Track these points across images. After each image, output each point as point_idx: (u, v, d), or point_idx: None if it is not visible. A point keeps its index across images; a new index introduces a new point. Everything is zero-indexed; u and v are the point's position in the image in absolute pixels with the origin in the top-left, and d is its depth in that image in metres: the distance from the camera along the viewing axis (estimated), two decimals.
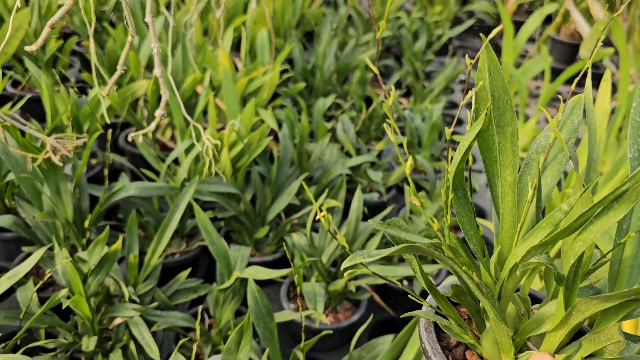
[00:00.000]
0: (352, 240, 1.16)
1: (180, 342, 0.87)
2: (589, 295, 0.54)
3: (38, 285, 0.92)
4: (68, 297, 0.95)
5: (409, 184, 1.69)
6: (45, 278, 0.91)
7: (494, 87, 0.53)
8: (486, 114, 0.53)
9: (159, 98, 1.65)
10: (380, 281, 1.12)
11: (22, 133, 1.09)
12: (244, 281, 1.00)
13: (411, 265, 0.57)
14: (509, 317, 0.62)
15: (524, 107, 1.95)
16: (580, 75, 0.57)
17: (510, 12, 3.17)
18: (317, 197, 1.45)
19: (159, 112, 0.88)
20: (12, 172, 1.23)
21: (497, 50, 3.59)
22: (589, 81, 0.60)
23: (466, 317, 0.64)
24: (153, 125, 0.87)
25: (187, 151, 1.31)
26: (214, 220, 1.32)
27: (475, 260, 0.57)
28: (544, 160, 0.59)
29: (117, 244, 0.92)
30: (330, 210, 1.21)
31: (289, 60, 2.23)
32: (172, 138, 1.65)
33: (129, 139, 1.57)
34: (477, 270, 0.57)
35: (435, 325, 0.60)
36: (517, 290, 0.64)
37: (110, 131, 1.12)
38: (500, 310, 0.54)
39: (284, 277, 1.25)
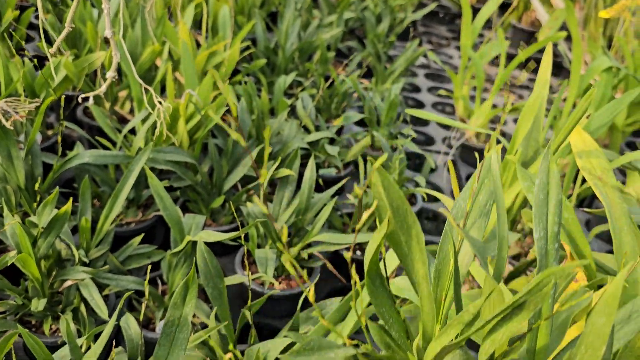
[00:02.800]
0: (304, 210, 1.18)
1: (123, 298, 0.88)
2: None
3: None
4: None
5: (366, 160, 1.72)
6: None
7: (391, 199, 0.58)
8: (388, 221, 0.57)
9: (118, 71, 1.64)
10: (333, 249, 1.15)
11: None
12: (195, 246, 1.02)
13: None
14: None
15: (481, 89, 1.99)
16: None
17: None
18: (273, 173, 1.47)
19: (110, 74, 0.88)
20: None
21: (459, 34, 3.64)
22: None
23: None
24: (104, 87, 0.88)
25: (144, 121, 1.31)
26: (170, 189, 1.33)
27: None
28: (463, 225, 0.65)
29: (67, 206, 0.93)
30: (285, 181, 1.23)
31: (253, 40, 2.23)
32: (131, 111, 1.65)
33: (88, 105, 1.56)
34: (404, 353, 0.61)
35: None
36: None
37: (63, 97, 1.11)
38: None
39: (239, 247, 1.27)
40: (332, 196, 1.29)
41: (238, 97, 1.65)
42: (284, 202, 1.22)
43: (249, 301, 0.87)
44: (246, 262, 0.84)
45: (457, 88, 2.09)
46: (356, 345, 0.58)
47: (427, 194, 1.73)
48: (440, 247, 0.64)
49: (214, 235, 0.94)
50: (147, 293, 0.83)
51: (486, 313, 0.57)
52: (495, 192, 0.65)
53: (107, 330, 0.73)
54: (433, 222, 1.93)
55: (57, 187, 0.96)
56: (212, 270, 0.90)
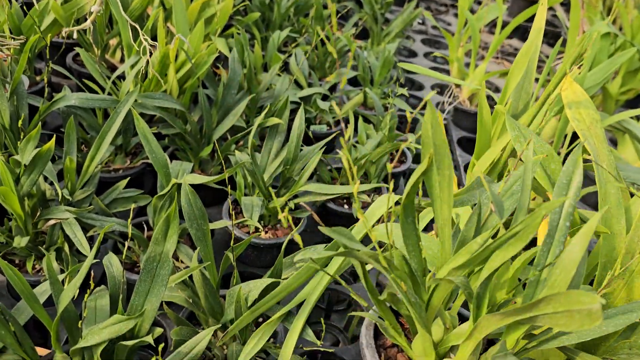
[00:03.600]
0: (292, 160, 1.17)
1: (100, 237, 0.88)
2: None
3: None
4: None
5: (357, 117, 1.71)
6: None
7: (435, 138, 0.63)
8: (429, 158, 0.63)
9: (109, 19, 1.61)
10: (320, 199, 1.14)
11: None
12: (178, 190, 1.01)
13: (356, 268, 0.68)
14: (437, 330, 0.73)
15: (476, 52, 1.97)
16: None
17: None
18: (261, 124, 1.45)
19: (95, 8, 0.86)
20: None
21: None
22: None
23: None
24: (88, 22, 0.86)
25: (134, 67, 1.29)
26: (158, 137, 1.32)
27: (415, 277, 0.66)
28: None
29: (50, 143, 0.92)
30: (274, 131, 1.22)
31: None
32: (122, 60, 1.62)
33: (78, 50, 1.53)
34: (417, 284, 0.66)
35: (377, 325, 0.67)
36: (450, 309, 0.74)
37: (49, 35, 1.09)
38: (426, 320, 0.61)
39: (227, 198, 1.27)
40: (323, 152, 1.28)
41: (230, 50, 1.63)
42: (272, 152, 1.21)
43: (232, 243, 0.86)
44: (231, 207, 0.84)
45: (452, 50, 2.06)
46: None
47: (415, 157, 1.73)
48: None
49: (199, 178, 0.94)
50: (130, 233, 0.83)
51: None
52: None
53: (87, 263, 0.73)
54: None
55: (39, 124, 0.95)
56: (195, 212, 0.89)
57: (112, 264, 0.87)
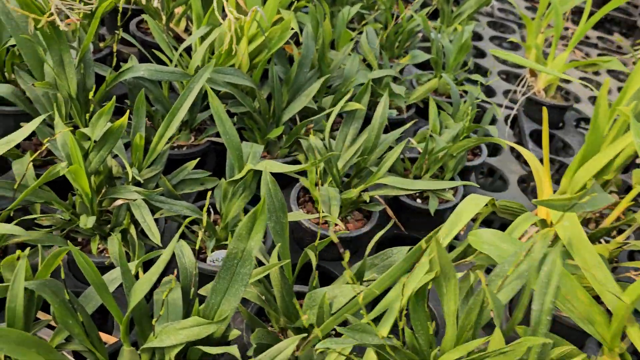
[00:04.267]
0: (371, 149, 1.08)
1: (181, 228, 0.81)
2: None
3: (34, 156, 0.85)
4: None
5: (428, 105, 1.60)
6: (43, 147, 0.85)
7: (441, 259, 0.73)
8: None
9: None
10: (396, 194, 1.06)
11: None
12: (255, 176, 0.94)
13: None
14: None
15: (557, 39, 1.83)
16: None
17: None
18: (332, 105, 1.37)
19: None
20: (13, 39, 1.14)
21: None
22: None
23: None
24: None
25: (203, 39, 1.22)
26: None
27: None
28: (501, 284, 0.73)
29: (124, 119, 0.85)
30: (351, 116, 1.13)
31: None
32: (187, 30, 1.55)
33: (144, 17, 1.46)
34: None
35: None
36: None
37: (122, 0, 1.02)
38: None
39: (293, 182, 1.19)
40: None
41: (300, 26, 1.54)
42: (347, 139, 1.12)
43: (317, 241, 0.79)
44: (311, 210, 0.76)
45: (530, 35, 1.92)
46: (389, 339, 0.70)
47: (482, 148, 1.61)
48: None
49: (278, 166, 0.86)
50: (204, 221, 0.76)
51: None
52: None
53: (165, 257, 0.67)
54: (487, 177, 1.82)
55: (114, 97, 0.88)
56: (276, 204, 0.82)
57: (184, 253, 0.80)
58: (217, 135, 1.27)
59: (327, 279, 1.14)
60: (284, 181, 1.29)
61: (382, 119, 1.05)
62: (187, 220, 0.86)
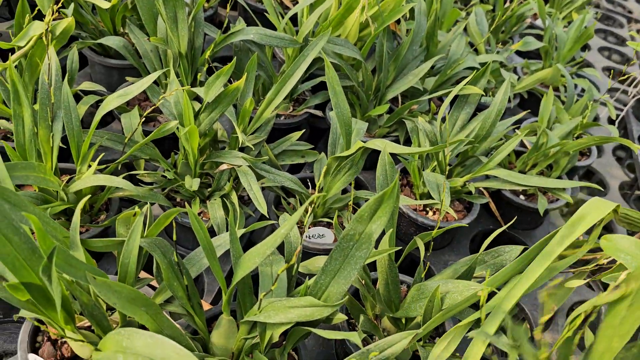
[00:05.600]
0: (484, 137, 1.02)
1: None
2: None
3: (148, 112, 0.84)
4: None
5: (533, 95, 1.51)
6: (158, 103, 0.83)
7: None
8: None
9: None
10: (508, 187, 0.99)
11: None
12: (363, 154, 0.89)
13: None
14: None
15: None
16: None
17: None
18: (437, 87, 1.30)
19: None
20: None
21: None
22: None
23: None
24: None
25: (312, 7, 1.17)
26: (322, 86, 1.21)
27: None
28: None
29: (240, 82, 0.82)
30: (463, 100, 1.07)
31: None
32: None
33: None
34: None
35: None
36: None
37: None
38: None
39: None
40: None
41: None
42: (457, 125, 1.06)
43: (434, 230, 0.74)
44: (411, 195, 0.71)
45: None
46: None
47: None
48: None
49: (397, 147, 0.81)
50: (315, 196, 0.72)
51: None
52: None
53: (284, 231, 0.63)
54: (583, 179, 1.71)
55: (235, 59, 0.85)
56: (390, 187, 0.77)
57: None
58: (316, 107, 1.23)
59: (415, 266, 1.10)
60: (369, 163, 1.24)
61: (501, 106, 0.98)
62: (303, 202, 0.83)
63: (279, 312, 0.63)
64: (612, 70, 2.21)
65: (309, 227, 0.95)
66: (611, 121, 1.79)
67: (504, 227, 0.76)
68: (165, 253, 0.68)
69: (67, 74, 0.94)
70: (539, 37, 1.84)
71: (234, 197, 0.89)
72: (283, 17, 1.24)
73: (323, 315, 0.62)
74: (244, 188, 0.97)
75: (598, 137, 1.03)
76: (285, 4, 1.47)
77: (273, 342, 0.69)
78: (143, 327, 0.64)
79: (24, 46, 0.84)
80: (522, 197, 1.17)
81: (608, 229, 1.44)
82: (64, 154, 0.95)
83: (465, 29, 1.55)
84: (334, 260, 0.67)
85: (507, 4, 1.74)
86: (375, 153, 0.84)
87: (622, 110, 1.86)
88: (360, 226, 0.64)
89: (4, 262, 0.55)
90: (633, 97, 1.79)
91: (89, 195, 0.72)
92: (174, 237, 0.65)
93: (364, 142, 0.92)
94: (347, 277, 0.66)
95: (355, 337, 0.58)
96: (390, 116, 1.16)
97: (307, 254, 0.90)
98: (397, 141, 1.17)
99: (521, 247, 0.83)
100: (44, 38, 0.82)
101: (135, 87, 0.83)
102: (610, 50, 2.36)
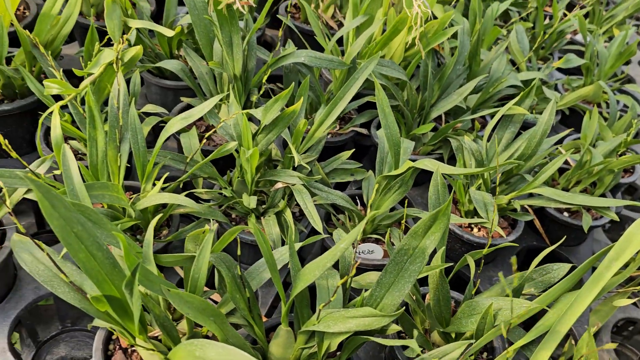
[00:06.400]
0: (530, 156, 1.04)
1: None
2: None
3: (209, 134, 0.89)
4: (235, 151, 0.92)
5: (575, 111, 1.51)
6: (218, 126, 0.88)
7: None
8: None
9: None
10: (553, 205, 1.01)
11: None
12: (413, 173, 0.92)
13: None
14: None
15: None
16: None
17: None
18: (480, 105, 1.32)
19: None
20: (184, 18, 1.20)
21: None
22: None
23: None
24: None
25: (359, 29, 1.21)
26: (369, 105, 1.25)
27: None
28: None
29: (296, 106, 0.87)
30: (508, 119, 1.09)
31: None
32: (333, 17, 1.55)
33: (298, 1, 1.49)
34: None
35: None
36: None
37: None
38: None
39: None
40: None
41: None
42: (502, 143, 1.08)
43: (485, 248, 0.76)
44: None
45: None
46: None
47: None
48: None
49: (444, 168, 0.84)
50: (371, 215, 0.76)
51: None
52: None
53: (344, 245, 0.66)
54: (625, 195, 1.70)
55: (293, 84, 0.90)
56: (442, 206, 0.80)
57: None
58: (362, 125, 1.27)
59: (460, 281, 1.12)
60: (422, 179, 1.27)
61: (547, 127, 1.00)
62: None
63: (338, 322, 0.67)
64: None
65: (359, 244, 0.99)
66: None
67: (553, 247, 0.78)
68: (229, 267, 0.72)
69: (130, 96, 1.00)
70: (580, 53, 1.84)
71: (289, 214, 0.93)
72: (329, 39, 1.29)
73: (380, 325, 0.65)
74: (296, 204, 1.02)
75: (633, 156, 1.04)
76: (330, 25, 1.52)
77: (330, 352, 0.73)
78: (207, 338, 0.69)
79: (95, 72, 0.90)
80: (566, 214, 1.18)
81: None
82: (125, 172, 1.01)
83: (506, 48, 1.57)
84: (388, 274, 0.70)
85: (547, 20, 1.75)
86: (421, 170, 0.87)
87: None
88: (414, 241, 0.68)
89: (89, 276, 0.60)
90: None
91: (161, 214, 0.77)
92: (239, 252, 0.69)
93: (413, 160, 0.95)
94: (401, 289, 0.69)
95: (414, 344, 0.61)
96: (434, 134, 1.19)
97: (358, 269, 0.94)
98: (441, 159, 1.20)
99: (569, 266, 0.85)
100: (114, 65, 0.88)
101: (197, 111, 0.88)
102: None
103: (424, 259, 0.68)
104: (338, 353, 0.80)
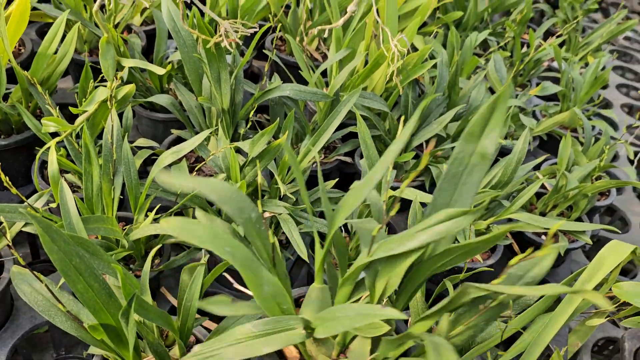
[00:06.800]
0: (506, 183, 1.09)
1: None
2: None
3: (199, 166, 0.93)
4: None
5: (552, 137, 1.57)
6: (208, 159, 0.92)
7: None
8: None
9: (311, 9, 1.60)
10: (530, 230, 1.05)
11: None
12: (394, 201, 0.97)
13: None
14: None
15: None
16: None
17: None
18: (460, 133, 1.38)
19: (351, 8, 0.83)
20: (174, 54, 1.25)
21: None
22: None
23: None
24: (341, 21, 0.83)
25: (342, 62, 1.27)
26: (351, 135, 1.30)
27: None
28: None
29: (282, 139, 0.91)
30: None
31: None
32: (317, 49, 1.61)
33: (284, 36, 1.54)
34: None
35: None
36: None
37: (279, 26, 1.09)
38: None
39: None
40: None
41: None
42: None
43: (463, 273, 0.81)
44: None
45: None
46: None
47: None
48: None
49: (422, 196, 0.89)
50: (353, 243, 0.80)
51: None
52: None
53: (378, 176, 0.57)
54: (604, 216, 1.75)
55: (278, 119, 0.95)
56: None
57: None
58: (346, 154, 1.32)
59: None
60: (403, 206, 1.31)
61: (522, 154, 1.06)
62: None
63: (402, 242, 0.54)
64: (631, 107, 2.26)
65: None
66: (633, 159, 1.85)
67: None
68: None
69: (123, 130, 1.05)
70: (557, 80, 1.91)
71: (275, 242, 0.97)
72: (314, 71, 1.34)
73: (467, 223, 0.53)
74: (282, 232, 1.06)
75: (614, 181, 1.10)
76: (315, 57, 1.58)
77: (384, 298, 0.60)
78: None
79: (89, 110, 0.94)
80: (544, 237, 1.23)
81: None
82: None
83: (485, 76, 1.63)
84: (443, 192, 0.58)
85: (525, 48, 1.82)
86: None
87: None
88: (469, 145, 0.55)
89: (87, 306, 0.64)
90: None
91: (158, 245, 0.80)
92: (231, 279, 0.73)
93: (394, 188, 1.00)
94: (461, 207, 0.57)
95: None
96: (416, 162, 1.24)
97: None
98: (423, 186, 1.25)
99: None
100: (107, 102, 0.92)
101: (187, 145, 0.93)
102: (629, 87, 2.42)
103: (485, 166, 0.56)
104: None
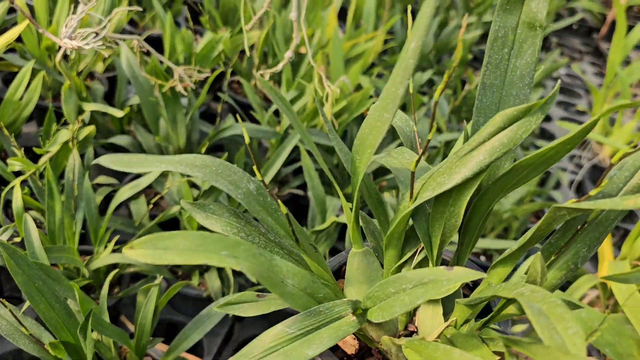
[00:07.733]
0: None
1: None
2: None
3: (155, 199, 1.01)
4: (180, 214, 1.04)
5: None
6: (164, 192, 1.00)
7: None
8: None
9: (265, 52, 1.72)
10: None
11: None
12: (337, 227, 1.06)
13: None
14: None
15: (624, 109, 1.90)
16: None
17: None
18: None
19: (288, 54, 0.94)
20: (133, 98, 1.34)
21: (597, 53, 3.47)
22: None
23: None
24: (280, 66, 0.94)
25: (293, 102, 1.38)
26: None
27: None
28: None
29: None
30: None
31: (390, 32, 2.26)
32: None
33: (239, 79, 1.64)
34: None
35: None
36: None
37: (229, 71, 1.19)
38: None
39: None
40: None
41: (376, 90, 1.69)
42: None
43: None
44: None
45: (597, 105, 2.00)
46: None
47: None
48: None
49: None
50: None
51: None
52: None
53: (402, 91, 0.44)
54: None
55: (226, 153, 1.03)
56: None
57: None
58: (298, 187, 1.41)
59: None
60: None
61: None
62: None
63: (453, 171, 0.43)
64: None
65: None
66: (577, 186, 1.98)
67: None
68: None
69: (85, 169, 1.12)
70: None
71: (229, 269, 1.04)
72: (266, 111, 1.44)
73: (531, 129, 0.41)
74: None
75: (538, 203, 1.21)
76: (268, 98, 1.68)
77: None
78: None
79: (52, 151, 1.01)
80: (482, 257, 1.33)
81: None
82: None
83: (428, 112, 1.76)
84: (488, 91, 0.47)
85: (466, 86, 1.96)
86: None
87: (582, 176, 2.05)
88: (511, 16, 0.44)
89: (49, 324, 0.70)
90: (589, 160, 1.99)
91: (116, 270, 0.87)
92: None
93: (337, 216, 1.09)
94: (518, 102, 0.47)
95: None
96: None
97: None
98: (370, 214, 1.34)
99: None
100: (69, 143, 1.00)
101: (144, 180, 1.01)
102: (571, 120, 2.58)
103: (536, 39, 0.44)
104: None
